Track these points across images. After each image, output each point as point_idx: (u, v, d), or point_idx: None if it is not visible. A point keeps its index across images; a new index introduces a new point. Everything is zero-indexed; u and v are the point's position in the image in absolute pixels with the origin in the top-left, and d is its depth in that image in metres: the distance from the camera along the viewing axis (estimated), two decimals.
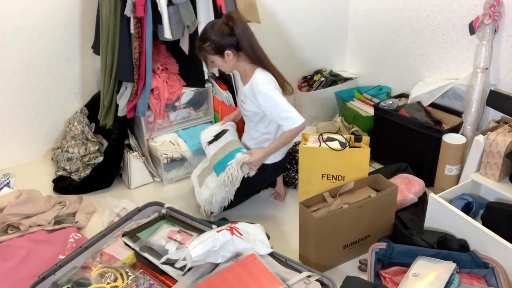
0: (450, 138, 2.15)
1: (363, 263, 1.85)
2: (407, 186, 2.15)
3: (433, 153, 2.26)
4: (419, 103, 2.48)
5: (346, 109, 2.91)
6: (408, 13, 2.65)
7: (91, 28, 2.45)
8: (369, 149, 1.97)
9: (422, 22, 2.58)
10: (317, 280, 1.53)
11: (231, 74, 2.45)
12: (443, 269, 1.61)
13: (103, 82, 2.31)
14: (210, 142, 2.16)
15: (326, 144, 2.00)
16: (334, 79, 3.10)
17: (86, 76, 2.68)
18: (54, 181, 2.47)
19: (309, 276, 1.54)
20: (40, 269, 1.63)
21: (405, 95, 2.69)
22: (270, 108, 1.91)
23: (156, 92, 2.33)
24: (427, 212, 1.90)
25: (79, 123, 2.59)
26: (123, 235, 1.77)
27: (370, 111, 2.69)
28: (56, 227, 2.08)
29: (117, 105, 2.32)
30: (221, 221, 2.05)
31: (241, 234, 1.61)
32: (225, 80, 2.58)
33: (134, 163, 2.42)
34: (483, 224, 1.76)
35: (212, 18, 2.30)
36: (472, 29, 2.19)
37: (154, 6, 2.09)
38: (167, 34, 2.16)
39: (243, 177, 2.03)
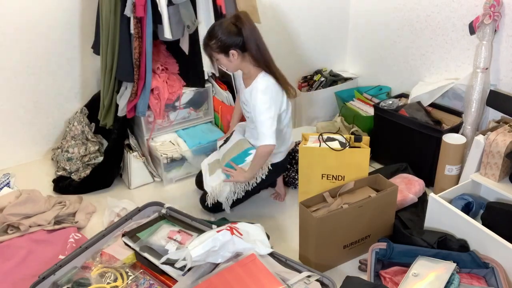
0: (450, 138, 2.15)
1: (363, 263, 1.85)
2: (407, 186, 2.15)
3: (433, 153, 2.26)
4: (419, 103, 2.48)
5: (346, 109, 2.91)
6: (408, 13, 2.65)
7: (91, 28, 2.45)
8: (369, 149, 1.97)
9: (422, 22, 2.58)
10: (317, 280, 1.53)
11: (232, 74, 2.45)
12: (443, 269, 1.61)
13: (103, 82, 2.31)
14: (221, 146, 2.20)
15: (326, 144, 2.00)
16: (334, 79, 3.10)
17: (86, 76, 2.68)
18: (54, 181, 2.47)
19: (309, 276, 1.54)
20: (40, 269, 1.63)
21: (405, 95, 2.69)
22: (255, 117, 1.92)
23: (156, 92, 2.33)
24: (427, 212, 1.90)
25: (79, 123, 2.59)
26: (123, 235, 1.77)
27: (370, 111, 2.69)
28: (56, 227, 2.08)
29: (117, 105, 2.32)
30: (221, 221, 2.05)
31: (241, 234, 1.61)
32: (225, 80, 2.58)
33: (134, 163, 2.42)
34: (483, 224, 1.76)
35: (212, 18, 2.30)
36: (472, 29, 2.19)
37: (154, 6, 2.09)
38: (167, 34, 2.16)
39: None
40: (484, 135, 1.98)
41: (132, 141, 2.47)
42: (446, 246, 1.74)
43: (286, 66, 2.98)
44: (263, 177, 2.07)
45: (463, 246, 1.74)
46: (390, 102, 2.56)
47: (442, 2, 2.42)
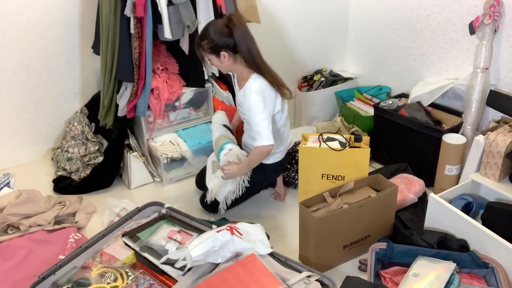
0: (450, 138, 2.15)
1: (363, 263, 1.85)
2: (407, 186, 2.15)
3: (433, 153, 2.26)
4: (419, 103, 2.48)
5: (346, 109, 2.91)
6: (408, 13, 2.65)
7: (91, 28, 2.45)
8: (369, 149, 1.97)
9: (422, 22, 2.58)
10: (317, 280, 1.53)
11: (232, 74, 2.45)
12: (443, 269, 1.61)
13: (103, 82, 2.31)
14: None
15: (326, 144, 2.00)
16: (334, 79, 3.10)
17: (86, 76, 2.68)
18: (54, 181, 2.47)
19: (309, 276, 1.54)
20: (40, 269, 1.63)
21: (405, 95, 2.69)
22: (250, 118, 1.92)
23: (156, 92, 2.33)
24: (427, 212, 1.90)
25: (79, 123, 2.59)
26: (123, 235, 1.77)
27: (370, 111, 2.69)
28: (56, 227, 2.08)
29: (117, 105, 2.32)
30: (221, 221, 2.05)
31: (241, 234, 1.61)
32: (225, 80, 2.58)
33: (134, 163, 2.42)
34: (483, 224, 1.76)
35: (212, 18, 2.29)
36: (472, 29, 2.19)
37: (154, 6, 2.09)
38: (167, 34, 2.16)
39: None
40: (484, 135, 1.98)
41: (132, 141, 2.47)
42: (446, 246, 1.74)
43: (286, 66, 3.02)
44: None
45: (463, 246, 1.74)
46: (390, 102, 2.56)
47: (442, 2, 2.42)
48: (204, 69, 2.42)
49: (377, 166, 2.60)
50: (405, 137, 2.41)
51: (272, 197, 2.36)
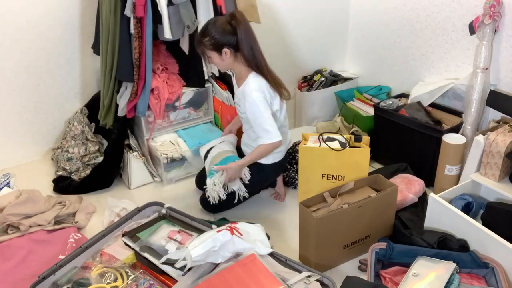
0: (450, 138, 2.15)
1: (363, 263, 1.85)
2: (407, 186, 2.15)
3: (433, 153, 2.26)
4: (419, 103, 2.48)
5: (346, 109, 2.91)
6: (408, 13, 2.65)
7: (91, 28, 2.45)
8: (369, 149, 1.97)
9: (422, 22, 2.58)
10: (317, 280, 1.53)
11: (231, 73, 2.45)
12: (443, 269, 1.61)
13: (103, 82, 2.31)
14: (205, 157, 2.19)
15: (326, 144, 2.00)
16: (334, 79, 3.10)
17: (86, 76, 2.68)
18: (54, 181, 2.47)
19: (309, 276, 1.54)
20: (40, 269, 1.63)
21: (405, 95, 2.69)
22: (253, 116, 1.92)
23: (156, 92, 2.33)
24: (427, 212, 1.90)
25: (79, 123, 2.59)
26: (123, 235, 1.77)
27: (370, 111, 2.69)
28: (56, 227, 2.08)
29: (117, 105, 2.32)
30: (221, 221, 2.05)
31: (241, 234, 1.61)
32: (225, 80, 2.58)
33: (134, 163, 2.42)
34: (483, 224, 1.76)
35: None
36: (472, 29, 2.19)
37: (154, 6, 2.09)
38: (167, 34, 2.16)
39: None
40: (484, 135, 1.98)
41: (132, 141, 2.47)
42: (446, 246, 1.74)
43: (286, 66, 3.02)
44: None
45: (463, 246, 1.74)
46: (390, 102, 2.56)
47: (442, 2, 2.42)
48: (204, 69, 2.42)
49: (377, 166, 2.60)
50: (405, 137, 2.41)
51: (272, 197, 2.36)
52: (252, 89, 1.90)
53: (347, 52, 3.24)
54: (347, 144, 1.99)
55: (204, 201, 2.21)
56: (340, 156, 1.97)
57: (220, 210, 2.23)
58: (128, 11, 2.08)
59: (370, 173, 2.03)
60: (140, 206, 1.95)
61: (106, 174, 2.45)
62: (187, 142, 2.47)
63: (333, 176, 2.02)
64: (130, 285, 1.57)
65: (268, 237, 1.72)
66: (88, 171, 2.47)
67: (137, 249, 1.69)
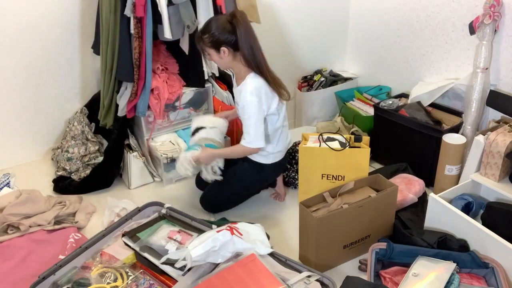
0: (450, 138, 2.15)
1: (363, 263, 1.85)
2: (407, 186, 2.15)
3: (433, 153, 2.26)
4: (419, 103, 2.48)
5: (346, 109, 2.91)
6: (408, 13, 2.65)
7: (91, 28, 2.45)
8: (369, 149, 1.97)
9: (422, 22, 2.58)
10: (317, 280, 1.53)
11: (231, 72, 2.45)
12: (443, 269, 1.61)
13: (103, 82, 2.31)
14: (192, 134, 2.21)
15: (326, 144, 2.00)
16: (334, 79, 3.10)
17: (86, 76, 2.68)
18: (54, 181, 2.47)
19: (309, 276, 1.54)
20: (40, 269, 1.63)
21: (405, 95, 2.69)
22: (242, 117, 1.94)
23: (156, 92, 2.33)
24: (427, 212, 1.90)
25: (79, 123, 2.59)
26: (123, 235, 1.77)
27: (370, 111, 2.70)
28: (56, 227, 2.08)
29: (117, 105, 2.32)
30: (221, 221, 2.05)
31: (241, 234, 1.61)
32: (225, 80, 2.58)
33: (134, 163, 2.42)
34: (483, 224, 1.76)
35: None
36: (472, 29, 2.19)
37: (154, 6, 2.09)
38: (167, 34, 2.16)
39: (242, 178, 2.08)
40: (484, 135, 1.98)
41: (132, 141, 2.47)
42: (446, 246, 1.74)
43: (286, 66, 3.02)
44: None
45: (463, 246, 1.74)
46: (390, 102, 2.56)
47: (442, 2, 2.42)
48: (204, 69, 2.42)
49: (377, 166, 2.60)
50: (405, 137, 2.41)
51: (272, 197, 2.36)
52: (248, 92, 1.89)
53: (347, 52, 3.24)
54: (347, 144, 1.99)
55: (204, 201, 2.21)
56: (340, 156, 1.97)
57: (220, 210, 2.23)
58: (128, 11, 2.08)
59: (370, 173, 2.03)
60: (140, 206, 1.95)
61: (106, 174, 2.45)
62: (187, 142, 2.47)
63: (333, 176, 2.02)
64: (130, 285, 1.57)
65: (268, 237, 1.72)
66: (88, 171, 2.47)
67: (137, 249, 1.69)
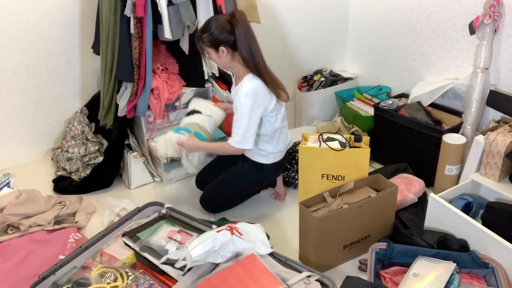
0: (450, 138, 2.15)
1: (363, 263, 1.85)
2: (407, 186, 2.15)
3: (433, 153, 2.26)
4: (419, 103, 2.48)
5: (346, 109, 2.91)
6: (408, 13, 2.65)
7: (91, 28, 2.45)
8: (369, 149, 1.97)
9: (422, 22, 2.58)
10: (317, 280, 1.53)
11: (232, 73, 2.45)
12: (443, 269, 1.61)
13: (103, 82, 2.31)
14: (187, 114, 2.21)
15: (326, 144, 2.00)
16: (334, 79, 3.10)
17: (86, 76, 2.68)
18: (54, 181, 2.47)
19: (309, 276, 1.54)
20: (40, 269, 1.64)
21: (405, 95, 2.69)
22: (235, 117, 1.94)
23: (156, 92, 2.33)
24: (427, 212, 1.90)
25: (79, 123, 2.59)
26: (123, 235, 1.77)
27: (370, 111, 2.70)
28: (56, 227, 2.08)
29: (117, 105, 2.32)
30: (221, 221, 2.05)
31: (241, 234, 1.61)
32: (225, 80, 2.58)
33: (134, 163, 2.42)
34: (483, 224, 1.76)
35: None
36: (472, 29, 2.19)
37: (154, 6, 2.09)
38: (167, 34, 2.16)
39: (242, 178, 2.08)
40: (484, 135, 1.98)
41: (132, 141, 2.48)
42: (446, 246, 1.74)
43: (286, 66, 3.02)
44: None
45: (463, 246, 1.74)
46: (390, 102, 2.56)
47: (442, 2, 2.42)
48: (204, 69, 2.42)
49: (377, 166, 2.60)
50: (405, 137, 2.41)
51: (272, 197, 2.36)
52: (243, 93, 1.89)
53: (347, 52, 3.24)
54: (347, 144, 1.99)
55: (204, 201, 2.21)
56: (340, 156, 1.97)
57: (220, 210, 2.23)
58: (128, 11, 2.08)
59: (370, 173, 2.03)
60: (140, 206, 1.95)
61: (106, 174, 2.45)
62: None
63: (333, 176, 2.02)
64: (130, 285, 1.57)
65: (268, 237, 1.72)
66: (88, 171, 2.47)
67: (137, 249, 1.69)
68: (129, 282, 1.58)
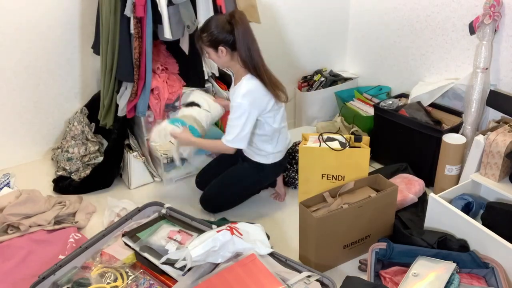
0: (450, 138, 2.15)
1: (363, 263, 1.85)
2: (407, 186, 2.15)
3: (433, 153, 2.27)
4: (419, 103, 2.48)
5: (346, 109, 2.91)
6: (408, 13, 2.65)
7: (91, 28, 2.45)
8: (369, 149, 1.97)
9: (422, 22, 2.58)
10: (317, 280, 1.53)
11: (231, 73, 2.45)
12: (443, 269, 1.61)
13: (103, 82, 2.32)
14: (186, 105, 2.22)
15: (326, 144, 2.00)
16: (334, 79, 3.10)
17: (86, 76, 2.68)
18: (54, 181, 2.47)
19: (309, 276, 1.54)
20: (40, 269, 1.64)
21: (405, 95, 2.69)
22: (230, 116, 1.94)
23: (156, 92, 2.33)
24: (427, 212, 1.90)
25: (79, 123, 2.59)
26: (123, 235, 1.77)
27: (370, 111, 2.70)
28: (56, 227, 2.08)
29: (117, 105, 2.32)
30: (221, 221, 2.05)
31: (241, 234, 1.61)
32: (225, 80, 2.58)
33: (134, 163, 2.42)
34: (483, 224, 1.76)
35: None
36: (472, 29, 2.19)
37: (154, 6, 2.09)
38: (167, 34, 2.16)
39: (242, 178, 2.09)
40: (484, 135, 1.98)
41: (132, 141, 2.48)
42: (446, 246, 1.74)
43: (286, 66, 3.02)
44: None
45: (463, 246, 1.74)
46: (390, 102, 2.56)
47: (442, 2, 2.42)
48: (204, 69, 2.42)
49: (377, 166, 2.60)
50: (405, 137, 2.41)
51: (272, 197, 2.36)
52: (241, 93, 1.89)
53: (347, 52, 3.24)
54: (347, 144, 1.99)
55: (204, 201, 2.21)
56: (340, 156, 1.97)
57: (220, 210, 2.23)
58: (128, 11, 2.08)
59: (370, 173, 2.03)
60: (140, 206, 1.95)
61: (106, 174, 2.45)
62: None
63: (333, 176, 2.02)
64: (130, 285, 1.57)
65: (268, 237, 1.72)
66: (88, 171, 2.47)
67: (137, 249, 1.69)
68: (129, 282, 1.58)
